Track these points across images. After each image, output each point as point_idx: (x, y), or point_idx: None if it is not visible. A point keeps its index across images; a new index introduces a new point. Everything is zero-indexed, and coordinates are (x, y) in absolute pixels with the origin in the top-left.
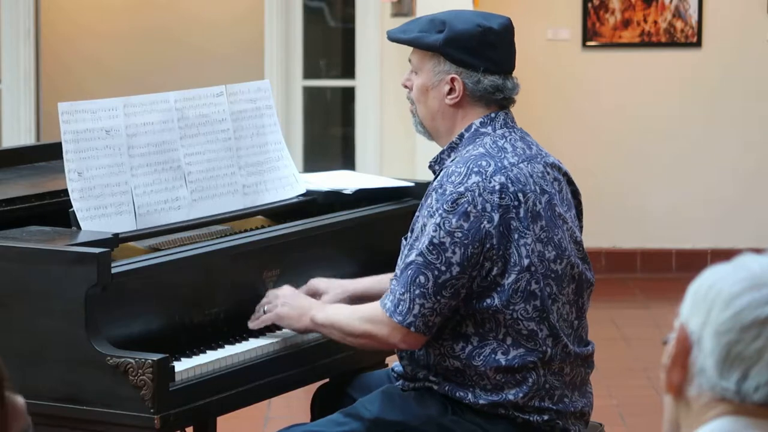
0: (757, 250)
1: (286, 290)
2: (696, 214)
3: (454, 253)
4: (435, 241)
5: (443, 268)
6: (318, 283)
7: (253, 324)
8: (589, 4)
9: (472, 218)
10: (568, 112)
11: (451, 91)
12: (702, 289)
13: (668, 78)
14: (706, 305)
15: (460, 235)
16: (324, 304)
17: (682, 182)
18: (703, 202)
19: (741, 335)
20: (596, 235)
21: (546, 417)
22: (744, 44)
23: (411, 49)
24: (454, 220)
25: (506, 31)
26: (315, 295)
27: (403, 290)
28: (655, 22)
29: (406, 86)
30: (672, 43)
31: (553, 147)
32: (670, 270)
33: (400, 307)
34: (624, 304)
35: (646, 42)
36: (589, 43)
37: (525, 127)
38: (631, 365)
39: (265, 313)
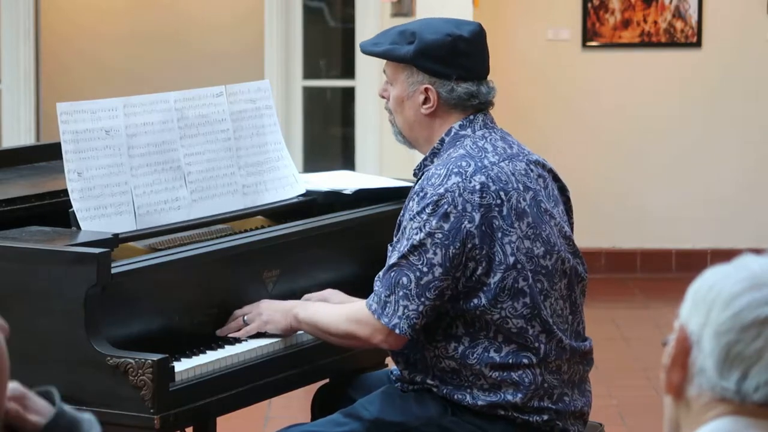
0: (757, 251)
1: (264, 302)
2: (696, 214)
3: (435, 254)
4: (415, 242)
5: (425, 270)
6: (330, 296)
7: (237, 335)
8: (589, 4)
9: (452, 219)
10: (568, 112)
11: (426, 100)
12: (702, 290)
13: (668, 78)
14: (705, 306)
15: (440, 236)
16: (307, 303)
17: (682, 182)
18: (703, 202)
19: (741, 335)
20: (596, 235)
21: (545, 417)
22: (744, 44)
23: None
24: (434, 222)
25: (477, 37)
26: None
27: (388, 292)
28: (655, 22)
29: (383, 96)
30: (672, 43)
31: (553, 147)
32: (670, 270)
33: (386, 309)
34: (624, 304)
35: (646, 42)
36: (589, 44)
37: (524, 127)
38: (631, 365)
39: (245, 322)
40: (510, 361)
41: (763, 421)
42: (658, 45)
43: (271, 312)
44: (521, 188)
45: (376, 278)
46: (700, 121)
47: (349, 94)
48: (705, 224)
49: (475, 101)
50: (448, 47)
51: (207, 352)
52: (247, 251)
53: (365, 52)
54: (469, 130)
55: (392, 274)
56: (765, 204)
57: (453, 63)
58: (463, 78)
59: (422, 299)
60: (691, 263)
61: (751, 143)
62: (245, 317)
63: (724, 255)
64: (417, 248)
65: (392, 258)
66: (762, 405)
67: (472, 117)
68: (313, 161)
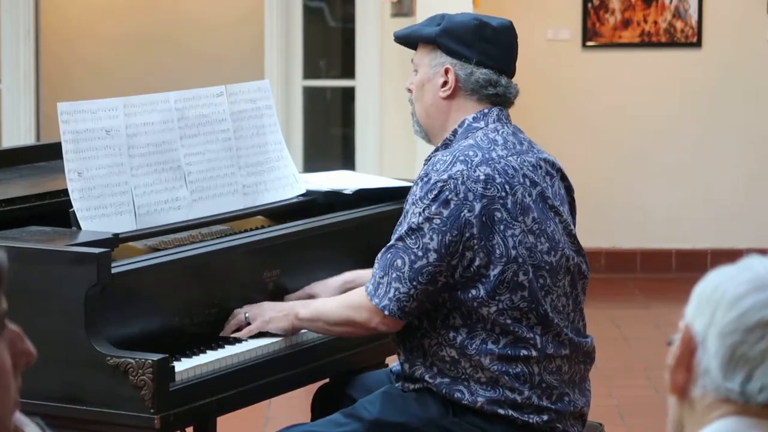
0: (758, 251)
1: (265, 303)
2: (696, 214)
3: (431, 239)
4: (414, 226)
5: (420, 254)
6: (312, 288)
7: (239, 335)
8: (589, 4)
9: (452, 206)
10: (568, 112)
11: (444, 83)
12: (707, 291)
13: (668, 78)
14: (710, 306)
15: (438, 221)
16: (307, 301)
17: (682, 182)
18: (703, 202)
19: (745, 336)
20: (596, 235)
21: (545, 417)
22: (744, 44)
23: (412, 52)
24: (434, 207)
25: (504, 30)
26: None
27: (382, 273)
28: (655, 22)
29: (409, 90)
30: (672, 43)
31: (552, 147)
32: (670, 270)
33: (378, 290)
34: (624, 304)
35: (646, 42)
36: (589, 43)
37: (525, 127)
38: (631, 365)
39: (246, 319)
40: (509, 352)
41: (766, 421)
42: (658, 45)
43: (272, 312)
44: (528, 183)
45: (376, 259)
46: (700, 121)
47: (349, 94)
48: (705, 224)
49: (492, 90)
50: (472, 30)
51: (207, 352)
52: (247, 251)
53: (397, 37)
54: (482, 122)
55: (388, 255)
56: (765, 204)
57: (475, 46)
58: (484, 64)
59: (414, 283)
60: (691, 263)
61: (751, 143)
62: (246, 314)
63: (725, 255)
64: (414, 231)
65: (391, 240)
66: (766, 406)
67: (486, 110)
68: (313, 161)
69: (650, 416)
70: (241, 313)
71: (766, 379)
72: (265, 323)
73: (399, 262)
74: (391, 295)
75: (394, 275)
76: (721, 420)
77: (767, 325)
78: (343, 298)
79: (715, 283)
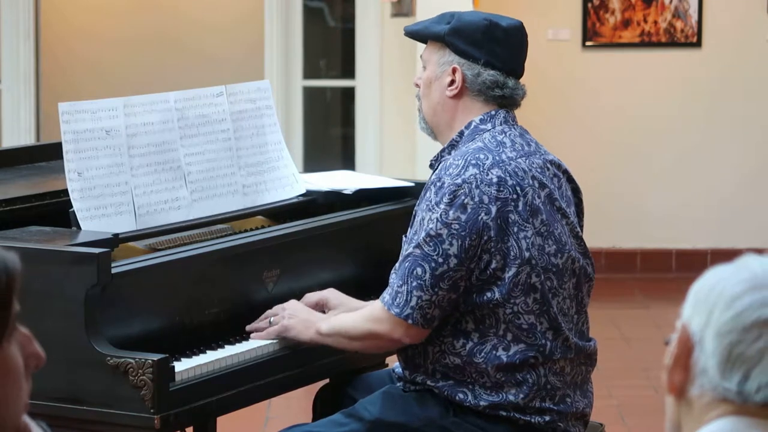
0: (758, 251)
1: (292, 303)
2: (696, 214)
3: (451, 244)
4: (432, 233)
5: (440, 260)
6: (330, 295)
7: (259, 336)
8: (589, 4)
9: (469, 210)
10: (568, 112)
11: (451, 83)
12: (704, 290)
13: (668, 78)
14: (707, 306)
15: (457, 226)
16: (329, 316)
17: (682, 182)
18: (703, 203)
19: (742, 336)
20: (596, 235)
21: (547, 418)
22: (744, 44)
23: (415, 50)
24: (451, 212)
25: (515, 31)
26: (323, 307)
27: (400, 282)
28: (655, 22)
29: (417, 85)
30: (672, 43)
31: (553, 147)
32: (670, 270)
33: (397, 300)
34: (624, 304)
35: (646, 42)
36: (589, 43)
37: (525, 126)
38: (631, 365)
39: (271, 324)
40: (517, 360)
41: (764, 421)
42: (658, 45)
43: (294, 320)
44: (537, 185)
45: (392, 271)
46: (700, 121)
47: (349, 94)
48: (705, 224)
49: (499, 92)
50: (482, 30)
51: (207, 352)
52: (247, 251)
53: (407, 32)
54: (489, 124)
55: (407, 264)
56: (765, 204)
57: (484, 47)
58: (492, 65)
59: (436, 289)
60: (691, 263)
61: (751, 143)
62: (271, 320)
63: (724, 255)
64: (433, 238)
65: (407, 248)
66: (763, 406)
67: (493, 112)
68: (313, 161)
69: (650, 416)
70: (268, 317)
71: (764, 378)
72: (284, 329)
73: (419, 270)
74: (413, 303)
75: (414, 284)
76: (719, 420)
77: (764, 324)
78: (363, 311)
79: (711, 282)
